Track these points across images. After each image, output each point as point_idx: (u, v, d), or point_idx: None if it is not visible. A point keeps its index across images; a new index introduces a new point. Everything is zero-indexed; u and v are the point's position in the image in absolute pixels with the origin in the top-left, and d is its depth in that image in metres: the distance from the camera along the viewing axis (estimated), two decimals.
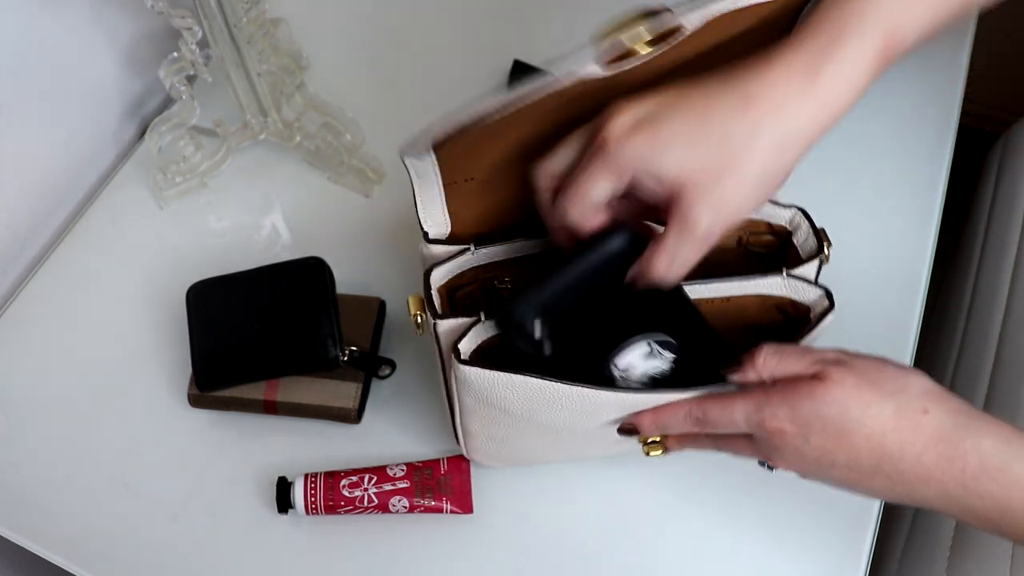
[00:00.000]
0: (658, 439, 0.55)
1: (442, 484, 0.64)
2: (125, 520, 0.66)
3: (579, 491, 0.66)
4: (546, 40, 0.88)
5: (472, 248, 0.56)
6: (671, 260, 0.47)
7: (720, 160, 0.43)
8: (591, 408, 0.53)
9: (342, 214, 0.80)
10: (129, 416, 0.71)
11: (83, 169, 0.84)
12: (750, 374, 0.49)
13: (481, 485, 0.65)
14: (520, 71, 0.84)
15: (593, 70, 0.49)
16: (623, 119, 0.45)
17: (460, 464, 0.65)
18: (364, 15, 0.93)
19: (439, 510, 0.64)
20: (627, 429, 0.54)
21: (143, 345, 0.74)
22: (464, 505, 0.64)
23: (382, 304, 0.71)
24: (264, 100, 0.80)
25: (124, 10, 0.81)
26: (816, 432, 0.46)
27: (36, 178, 0.79)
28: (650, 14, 0.48)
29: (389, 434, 0.68)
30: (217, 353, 0.67)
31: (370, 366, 0.68)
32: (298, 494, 0.63)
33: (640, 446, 0.55)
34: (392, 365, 0.69)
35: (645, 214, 0.51)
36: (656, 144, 0.44)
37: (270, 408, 0.68)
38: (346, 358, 0.66)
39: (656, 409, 0.52)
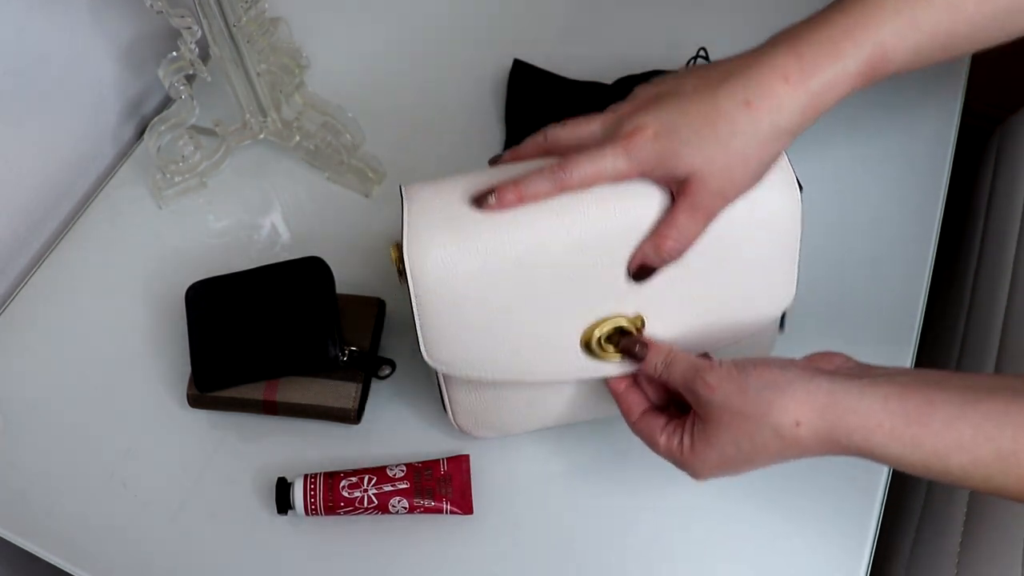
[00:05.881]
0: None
1: (442, 484, 0.64)
2: (125, 520, 0.66)
3: (580, 491, 0.66)
4: (546, 40, 0.88)
5: None
6: (681, 236, 0.53)
7: (727, 155, 0.51)
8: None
9: (342, 214, 0.80)
10: (128, 416, 0.70)
11: (82, 169, 0.84)
12: (646, 368, 0.56)
13: (481, 485, 0.65)
14: (520, 71, 0.84)
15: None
16: (647, 131, 0.52)
17: (460, 464, 0.65)
18: (364, 15, 0.93)
19: (439, 510, 0.63)
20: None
21: (142, 345, 0.73)
22: (464, 505, 0.64)
23: (382, 304, 0.71)
24: (263, 99, 0.80)
25: (123, 10, 0.81)
26: (728, 455, 0.52)
27: (35, 178, 0.79)
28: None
29: (389, 434, 0.68)
30: (216, 353, 0.67)
31: (370, 366, 0.68)
32: (298, 495, 0.63)
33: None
34: (392, 365, 0.69)
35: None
36: (674, 149, 0.51)
37: (269, 408, 0.67)
38: (346, 358, 0.66)
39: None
